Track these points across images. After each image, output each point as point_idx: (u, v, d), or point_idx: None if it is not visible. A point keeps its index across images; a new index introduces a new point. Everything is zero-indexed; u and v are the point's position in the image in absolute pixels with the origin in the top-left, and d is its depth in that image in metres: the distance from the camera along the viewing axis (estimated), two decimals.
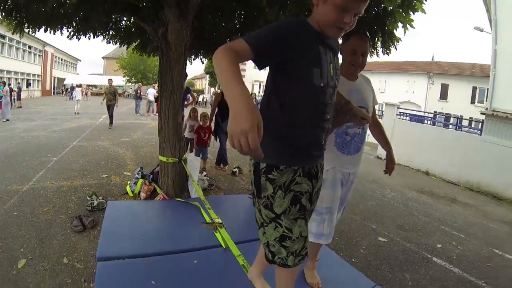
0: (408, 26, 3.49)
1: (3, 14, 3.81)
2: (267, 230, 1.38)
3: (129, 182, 4.42)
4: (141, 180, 4.20)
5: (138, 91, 17.40)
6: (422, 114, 12.45)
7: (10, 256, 2.68)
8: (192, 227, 2.94)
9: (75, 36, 4.65)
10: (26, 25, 4.14)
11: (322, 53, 1.28)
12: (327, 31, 1.27)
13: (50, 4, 3.28)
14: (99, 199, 3.73)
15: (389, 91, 24.96)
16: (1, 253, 2.70)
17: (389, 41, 4.03)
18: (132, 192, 4.13)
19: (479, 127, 8.56)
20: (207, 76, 31.82)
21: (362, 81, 2.08)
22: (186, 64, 4.17)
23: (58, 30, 4.44)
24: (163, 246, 2.52)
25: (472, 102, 19.99)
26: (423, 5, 3.34)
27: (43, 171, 5.06)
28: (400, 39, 4.06)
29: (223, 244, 2.55)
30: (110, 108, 10.50)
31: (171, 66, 3.79)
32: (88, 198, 3.80)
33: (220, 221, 2.87)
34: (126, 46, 5.69)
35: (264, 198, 1.35)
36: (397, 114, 10.05)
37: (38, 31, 4.47)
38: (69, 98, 25.62)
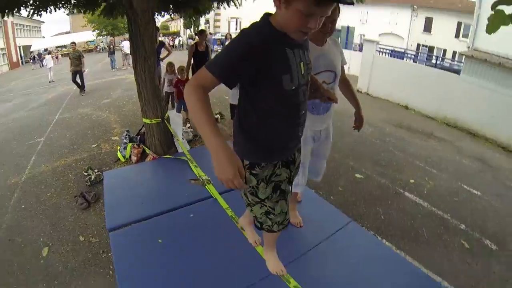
0: None
1: None
2: (254, 208, 1.59)
3: (118, 147, 4.58)
4: (130, 144, 4.39)
5: (111, 46, 16.71)
6: (402, 50, 12.43)
7: (33, 247, 2.92)
8: (183, 182, 3.18)
9: (35, 14, 4.45)
10: None
11: (290, 56, 1.27)
12: (290, 34, 1.23)
13: None
14: (95, 172, 3.91)
15: (371, 22, 24.27)
16: (25, 247, 2.94)
17: None
18: (124, 157, 4.33)
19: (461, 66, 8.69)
20: (181, 18, 30.49)
21: (330, 44, 2.09)
22: (155, 27, 4.16)
23: (15, 11, 4.23)
24: (162, 206, 2.76)
25: (457, 36, 19.72)
26: None
27: (35, 156, 5.05)
28: None
29: (213, 194, 2.83)
30: (77, 75, 9.53)
31: (141, 33, 3.77)
32: (84, 173, 3.97)
33: (208, 178, 3.10)
34: (91, 13, 5.47)
35: (249, 187, 1.52)
36: (376, 50, 10.10)
37: None
38: (39, 66, 24.29)
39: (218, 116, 6.07)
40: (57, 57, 25.33)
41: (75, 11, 5.11)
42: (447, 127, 7.93)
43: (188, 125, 5.45)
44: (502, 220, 3.89)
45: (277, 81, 1.26)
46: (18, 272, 2.63)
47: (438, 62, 10.52)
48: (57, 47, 32.15)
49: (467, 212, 3.87)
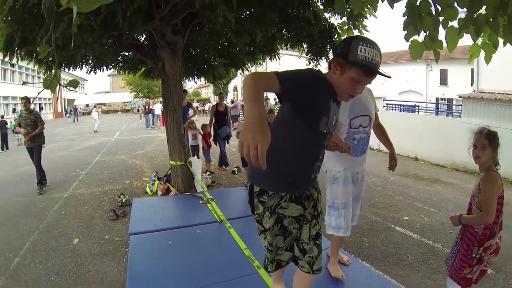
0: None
1: (37, 62, 4.71)
2: (260, 237, 1.71)
3: (147, 184, 5.44)
4: (157, 181, 5.24)
5: (147, 106, 18.30)
6: (409, 103, 12.92)
7: (67, 237, 3.78)
8: (196, 210, 4.00)
9: (92, 71, 5.75)
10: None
11: (331, 106, 1.48)
12: (339, 94, 1.49)
13: (72, 50, 4.01)
14: (126, 197, 4.75)
15: (389, 82, 24.20)
16: (60, 236, 3.82)
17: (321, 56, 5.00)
18: (151, 191, 5.15)
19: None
20: (211, 85, 33.26)
21: (364, 92, 2.20)
22: (182, 87, 5.16)
23: (78, 67, 5.48)
24: (175, 223, 3.58)
25: (472, 84, 19.86)
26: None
27: (76, 182, 6.17)
28: None
29: (218, 219, 3.56)
30: (33, 153, 5.65)
31: (170, 91, 4.76)
32: (117, 197, 4.82)
33: (211, 197, 3.96)
34: (133, 74, 6.84)
35: (256, 214, 1.63)
36: (383, 106, 10.52)
37: (64, 70, 5.50)
38: (73, 120, 25.90)
39: (235, 169, 6.88)
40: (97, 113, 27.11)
41: (121, 72, 6.37)
42: (456, 172, 7.89)
43: (208, 173, 6.34)
44: (503, 248, 3.88)
45: (317, 119, 1.44)
46: (51, 250, 3.45)
47: (437, 112, 10.70)
48: (97, 103, 34.93)
49: None
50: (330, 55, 5.16)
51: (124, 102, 41.48)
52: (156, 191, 5.09)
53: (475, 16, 1.76)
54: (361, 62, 1.36)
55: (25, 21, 2.87)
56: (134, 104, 36.40)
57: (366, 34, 4.32)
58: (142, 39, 5.31)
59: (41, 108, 27.43)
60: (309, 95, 1.38)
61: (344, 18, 4.09)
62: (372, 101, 2.39)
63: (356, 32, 4.17)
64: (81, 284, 2.81)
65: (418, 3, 1.76)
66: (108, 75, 47.11)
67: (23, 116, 5.51)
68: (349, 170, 2.31)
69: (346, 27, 3.92)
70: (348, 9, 3.90)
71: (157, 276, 2.49)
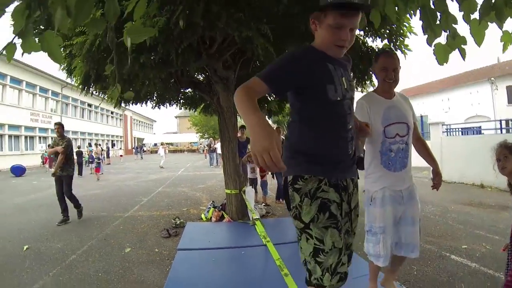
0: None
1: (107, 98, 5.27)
2: (301, 244, 1.36)
3: (203, 212, 5.75)
4: (212, 209, 5.55)
5: (211, 144, 19.16)
6: (470, 125, 11.91)
7: (120, 246, 4.25)
8: (245, 234, 4.23)
9: (156, 107, 6.50)
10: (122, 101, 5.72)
11: (332, 70, 1.36)
12: (329, 52, 1.37)
13: (138, 86, 4.53)
14: (181, 220, 5.13)
15: (453, 109, 23.14)
16: (115, 244, 4.35)
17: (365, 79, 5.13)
18: (206, 217, 5.44)
19: None
20: (270, 119, 34.10)
21: (399, 98, 2.13)
22: (237, 120, 5.52)
23: (144, 103, 6.24)
24: (222, 244, 3.83)
25: None
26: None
27: (138, 206, 6.91)
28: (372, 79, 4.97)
29: (264, 242, 3.67)
30: (63, 182, 5.44)
31: (226, 123, 5.17)
32: (172, 220, 5.22)
33: (257, 217, 4.12)
34: (194, 110, 7.59)
35: (293, 209, 1.38)
36: (443, 132, 9.92)
37: (132, 105, 6.30)
38: (140, 158, 28.53)
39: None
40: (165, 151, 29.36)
41: (182, 108, 7.24)
42: None
43: (263, 204, 6.54)
44: None
45: (322, 90, 1.34)
46: (104, 254, 3.94)
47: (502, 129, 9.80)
48: (166, 142, 37.06)
49: None
50: (374, 79, 5.26)
51: (190, 143, 44.28)
52: (211, 217, 5.37)
53: (493, 0, 1.65)
54: (332, 2, 1.28)
55: (99, 61, 3.42)
56: (200, 144, 38.30)
57: (409, 54, 4.41)
58: (201, 78, 5.90)
59: (113, 145, 30.57)
60: (299, 75, 1.31)
61: (385, 41, 4.24)
62: (409, 109, 2.16)
63: (399, 53, 4.24)
64: (123, 282, 3.17)
65: (431, 3, 1.72)
66: (175, 117, 51.14)
67: (55, 142, 5.61)
68: (388, 189, 2.03)
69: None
70: (388, 31, 4.03)
71: (193, 286, 2.73)
